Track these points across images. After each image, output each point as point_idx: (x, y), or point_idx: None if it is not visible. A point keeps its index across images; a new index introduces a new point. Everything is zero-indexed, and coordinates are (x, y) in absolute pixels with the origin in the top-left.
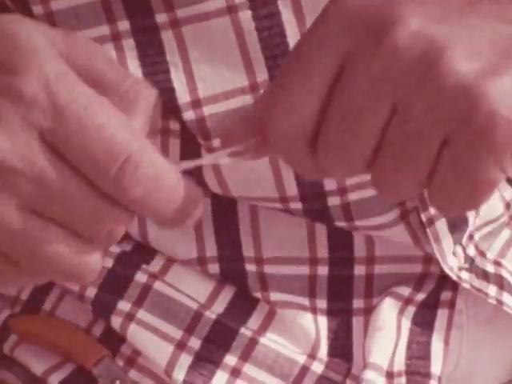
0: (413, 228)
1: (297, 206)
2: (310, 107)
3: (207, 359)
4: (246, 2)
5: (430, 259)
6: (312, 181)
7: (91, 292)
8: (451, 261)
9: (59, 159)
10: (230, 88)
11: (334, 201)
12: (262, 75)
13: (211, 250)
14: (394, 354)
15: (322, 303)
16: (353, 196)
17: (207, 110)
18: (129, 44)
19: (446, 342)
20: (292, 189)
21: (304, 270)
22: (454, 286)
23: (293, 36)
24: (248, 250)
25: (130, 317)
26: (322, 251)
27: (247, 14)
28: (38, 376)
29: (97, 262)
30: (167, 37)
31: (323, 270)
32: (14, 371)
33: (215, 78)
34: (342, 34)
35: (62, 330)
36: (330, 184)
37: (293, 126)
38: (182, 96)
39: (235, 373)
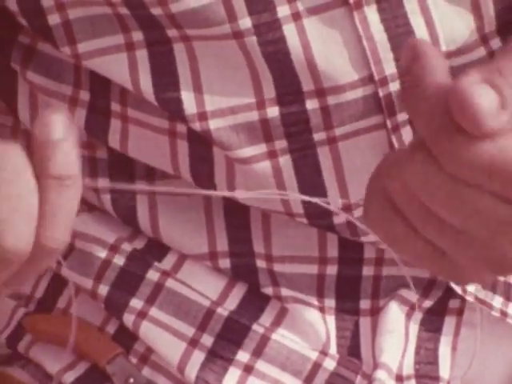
0: None
1: (302, 220)
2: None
3: (220, 356)
4: (251, 28)
5: None
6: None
7: (103, 290)
8: None
9: None
10: (236, 103)
11: (339, 219)
12: (269, 93)
13: (222, 245)
14: (402, 357)
15: (330, 302)
16: (358, 213)
17: (213, 124)
18: (142, 55)
19: (454, 348)
20: (297, 207)
21: (313, 268)
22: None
23: (299, 60)
24: (258, 247)
25: (142, 314)
26: (332, 251)
27: (253, 40)
28: (52, 375)
29: None
30: (179, 48)
31: (332, 270)
32: (29, 370)
33: (223, 92)
34: None
35: (75, 328)
36: (335, 204)
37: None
38: (189, 107)
39: (248, 369)
